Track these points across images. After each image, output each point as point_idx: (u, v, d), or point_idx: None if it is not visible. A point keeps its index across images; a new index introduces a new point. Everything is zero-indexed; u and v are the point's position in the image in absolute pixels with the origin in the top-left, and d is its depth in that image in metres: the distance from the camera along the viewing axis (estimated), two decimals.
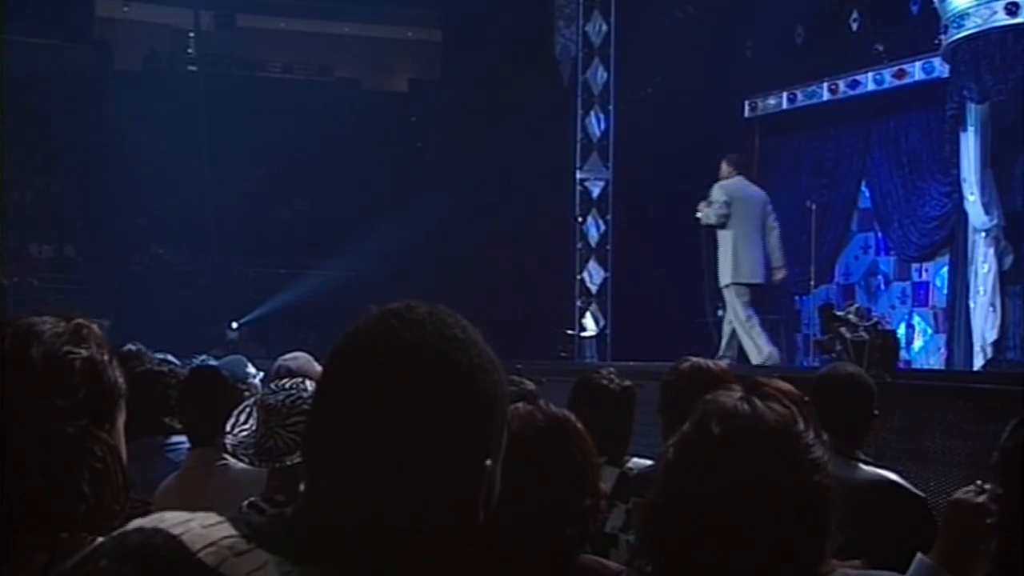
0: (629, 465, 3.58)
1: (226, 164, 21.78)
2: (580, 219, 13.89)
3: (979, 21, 10.01)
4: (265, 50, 25.93)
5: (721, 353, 10.05)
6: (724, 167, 10.29)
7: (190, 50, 25.89)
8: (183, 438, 3.65)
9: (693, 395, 3.18)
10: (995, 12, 9.90)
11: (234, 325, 18.13)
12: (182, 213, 20.80)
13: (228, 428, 3.04)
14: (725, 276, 10.15)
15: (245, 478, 3.24)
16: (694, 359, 3.46)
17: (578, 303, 13.75)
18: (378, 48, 26.42)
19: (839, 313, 6.52)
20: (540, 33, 15.03)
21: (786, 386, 1.54)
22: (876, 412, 3.37)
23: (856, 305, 7.84)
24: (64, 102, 22.36)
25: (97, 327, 1.55)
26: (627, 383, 3.79)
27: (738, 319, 10.10)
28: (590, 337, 13.65)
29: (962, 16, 10.15)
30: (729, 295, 10.20)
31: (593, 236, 13.88)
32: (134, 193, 20.76)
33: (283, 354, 4.35)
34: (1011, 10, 9.80)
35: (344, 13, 25.34)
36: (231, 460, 3.36)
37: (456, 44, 21.96)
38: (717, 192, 10.07)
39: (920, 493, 3.24)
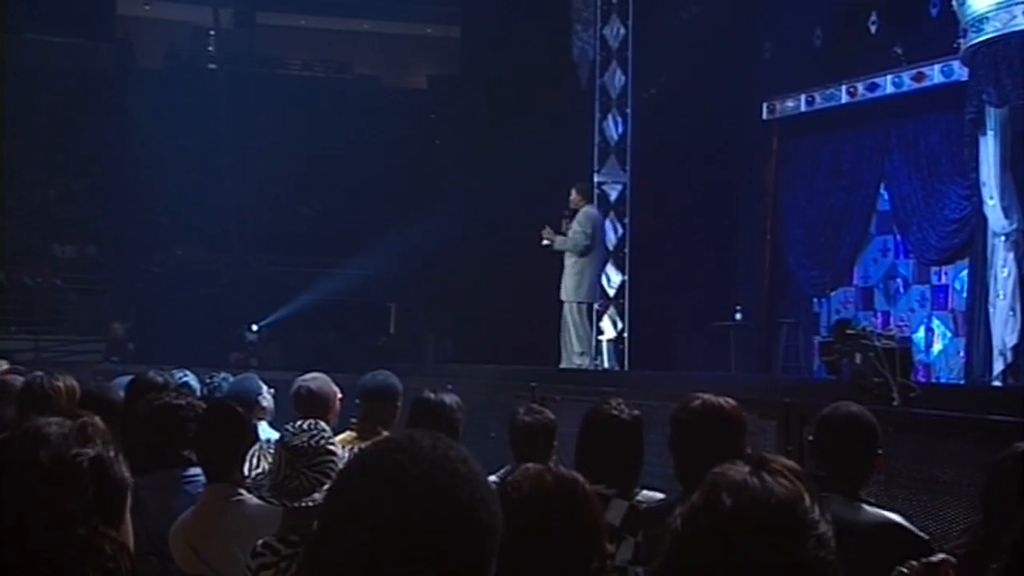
0: (639, 498, 3.60)
1: (246, 162, 21.85)
2: None
3: (999, 25, 9.92)
4: (285, 47, 26.04)
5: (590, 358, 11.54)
6: (575, 195, 11.16)
7: (210, 48, 26.03)
8: (199, 470, 3.70)
9: (704, 433, 3.24)
10: (1015, 16, 9.80)
11: (254, 327, 18.15)
12: (202, 212, 20.88)
13: (246, 472, 3.10)
14: (570, 294, 11.25)
15: (259, 514, 3.29)
16: (705, 396, 3.37)
17: (596, 306, 13.73)
18: (397, 45, 26.49)
19: (851, 332, 6.49)
20: (559, 33, 14.99)
21: (791, 463, 1.59)
22: (880, 451, 3.36)
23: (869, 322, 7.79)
24: (85, 100, 22.53)
25: (100, 422, 1.59)
26: (636, 412, 3.81)
27: (575, 328, 11.40)
28: (608, 340, 13.65)
29: (981, 20, 10.06)
30: (569, 308, 11.39)
31: (611, 239, 13.84)
32: (155, 192, 20.86)
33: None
34: None
35: (363, 10, 25.41)
36: (246, 496, 3.42)
37: (475, 41, 21.89)
38: (586, 222, 10.98)
39: (924, 536, 3.23)
